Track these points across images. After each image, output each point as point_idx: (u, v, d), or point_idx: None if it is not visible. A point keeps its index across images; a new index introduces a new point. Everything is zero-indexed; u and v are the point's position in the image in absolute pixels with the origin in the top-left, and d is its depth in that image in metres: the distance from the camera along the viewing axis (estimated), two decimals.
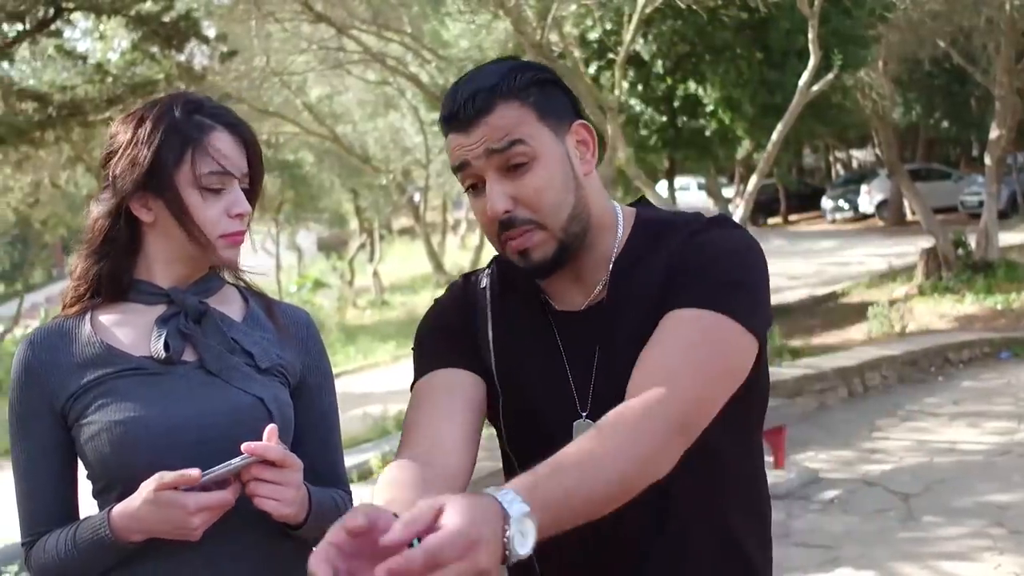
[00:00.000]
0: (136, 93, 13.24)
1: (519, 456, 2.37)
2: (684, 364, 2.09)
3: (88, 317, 2.45)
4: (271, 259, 40.76)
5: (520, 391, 2.36)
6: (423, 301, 34.24)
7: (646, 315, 2.20)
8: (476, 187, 2.26)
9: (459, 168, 2.26)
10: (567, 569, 2.32)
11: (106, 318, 2.46)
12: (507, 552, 1.73)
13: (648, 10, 12.80)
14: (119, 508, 2.28)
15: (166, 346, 2.41)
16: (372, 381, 22.66)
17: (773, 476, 7.61)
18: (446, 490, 1.94)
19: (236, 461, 2.19)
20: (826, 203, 42.72)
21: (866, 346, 15.50)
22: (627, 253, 2.32)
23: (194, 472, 2.20)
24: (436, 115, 16.75)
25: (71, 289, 2.51)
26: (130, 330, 2.45)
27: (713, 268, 2.19)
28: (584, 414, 2.27)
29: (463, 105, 2.23)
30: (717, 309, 2.13)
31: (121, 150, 2.41)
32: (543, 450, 2.07)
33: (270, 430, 2.26)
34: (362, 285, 41.68)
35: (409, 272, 43.78)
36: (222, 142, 2.42)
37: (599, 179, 2.35)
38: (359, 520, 1.67)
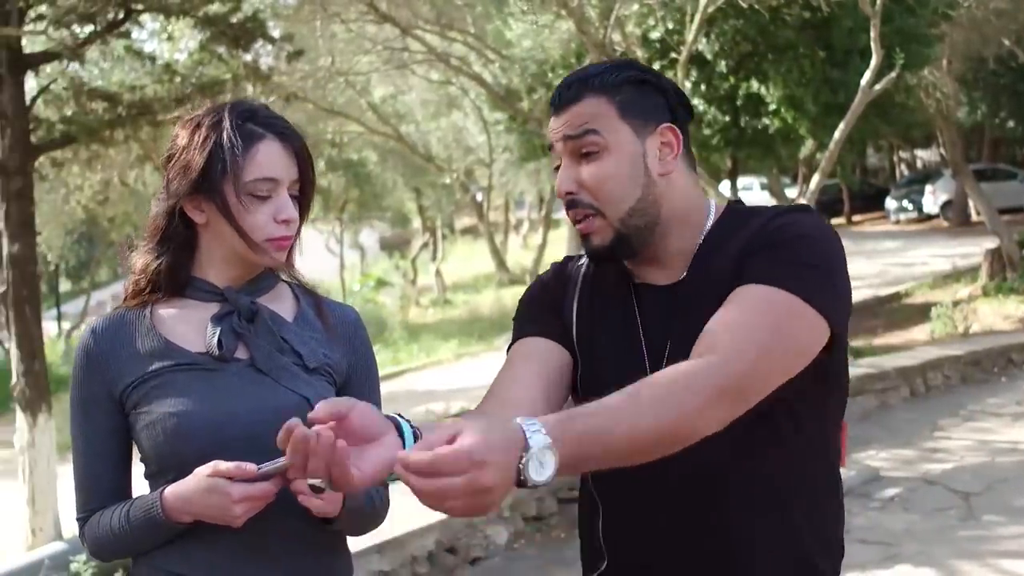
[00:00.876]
0: (204, 93, 13.38)
1: None
2: (745, 331, 2.15)
3: (148, 311, 2.59)
4: (335, 258, 40.93)
5: (596, 359, 2.47)
6: (485, 300, 34.29)
7: (722, 290, 2.27)
8: (559, 168, 2.43)
9: (549, 148, 2.45)
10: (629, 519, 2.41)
11: (165, 312, 2.59)
12: (522, 478, 1.82)
13: (710, 9, 12.79)
14: (171, 489, 2.43)
15: (219, 344, 2.53)
16: (435, 379, 22.77)
17: None
18: None
19: (284, 460, 2.19)
20: (890, 203, 42.31)
21: (929, 346, 15.42)
22: (710, 239, 2.41)
23: (250, 467, 2.33)
24: (499, 115, 16.81)
25: (131, 283, 2.64)
26: (187, 326, 2.57)
27: (789, 248, 2.25)
28: None
29: (559, 93, 2.43)
30: (789, 288, 2.19)
31: (178, 154, 2.54)
32: None
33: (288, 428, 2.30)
34: (424, 284, 41.79)
35: (471, 271, 43.81)
36: (271, 150, 2.53)
37: (687, 179, 2.45)
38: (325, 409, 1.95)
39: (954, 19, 16.56)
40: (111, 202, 24.37)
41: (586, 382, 2.48)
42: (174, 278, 2.59)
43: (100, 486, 2.58)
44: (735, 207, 2.50)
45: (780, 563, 2.34)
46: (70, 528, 11.97)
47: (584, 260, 2.61)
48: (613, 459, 2.01)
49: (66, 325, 37.28)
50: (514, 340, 2.57)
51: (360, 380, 2.73)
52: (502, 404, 2.32)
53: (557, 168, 2.44)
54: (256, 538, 2.47)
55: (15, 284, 11.92)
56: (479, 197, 22.26)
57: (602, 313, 2.51)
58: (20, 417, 12.01)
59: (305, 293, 2.75)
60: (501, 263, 16.29)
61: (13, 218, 11.90)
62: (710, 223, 2.44)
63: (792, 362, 2.20)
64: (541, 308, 2.59)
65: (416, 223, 46.26)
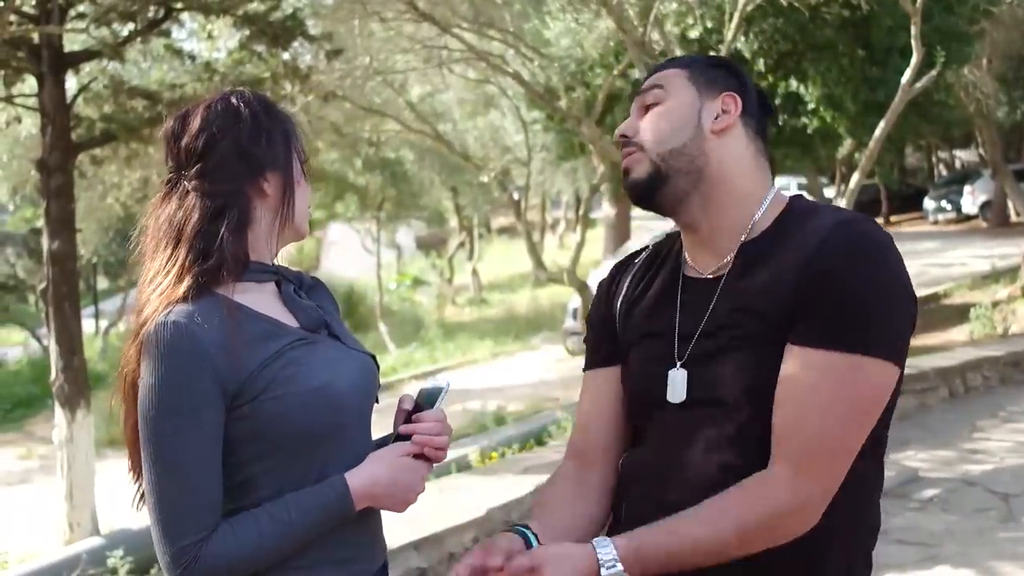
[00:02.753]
0: None
1: (639, 424, 2.57)
2: (820, 423, 2.22)
3: (223, 297, 2.42)
4: (371, 257, 41.01)
5: (634, 353, 2.57)
6: (521, 300, 34.35)
7: (763, 295, 2.32)
8: None
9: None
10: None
11: (241, 297, 2.47)
12: None
13: (749, 8, 12.76)
14: (358, 476, 2.46)
15: (318, 317, 2.60)
16: (471, 377, 22.78)
17: None
18: (593, 495, 2.57)
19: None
20: (928, 204, 42.06)
21: (968, 347, 15.29)
22: (767, 234, 2.43)
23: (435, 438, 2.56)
24: (537, 113, 16.81)
25: (180, 273, 2.43)
26: (267, 305, 2.53)
27: (855, 294, 2.21)
28: (679, 363, 2.43)
29: (651, 68, 2.64)
30: (860, 350, 2.20)
31: (247, 130, 2.51)
32: (644, 400, 2.52)
33: (405, 399, 2.66)
34: (461, 283, 41.86)
35: (507, 271, 43.83)
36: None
37: (746, 149, 2.51)
38: (497, 560, 2.18)
39: (995, 16, 16.44)
40: (149, 200, 24.44)
41: (625, 380, 2.60)
42: (241, 261, 2.48)
43: (214, 502, 2.35)
44: (795, 204, 2.48)
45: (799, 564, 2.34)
46: (108, 523, 12.03)
47: (641, 256, 2.72)
48: (686, 564, 2.25)
49: (103, 323, 37.43)
50: (586, 364, 2.73)
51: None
52: (579, 440, 2.68)
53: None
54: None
55: (55, 280, 12.03)
56: (516, 196, 22.25)
57: (647, 304, 2.59)
58: (59, 413, 12.11)
59: (287, 268, 2.76)
60: (538, 262, 16.32)
61: (53, 215, 12.02)
62: (764, 208, 2.46)
63: (871, 423, 2.28)
64: (599, 333, 2.71)
65: (453, 222, 46.27)
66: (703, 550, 2.22)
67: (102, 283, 47.26)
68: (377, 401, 2.65)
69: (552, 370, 21.51)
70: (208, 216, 2.47)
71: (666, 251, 2.67)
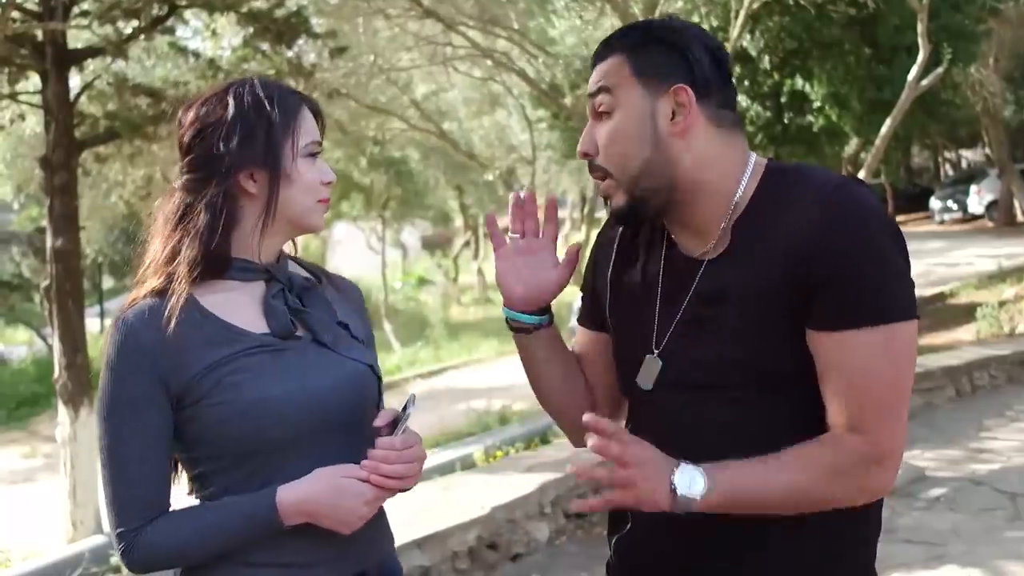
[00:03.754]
0: None
1: (621, 388, 2.59)
2: (882, 394, 2.23)
3: (191, 297, 2.43)
4: (376, 256, 41.04)
5: (618, 331, 2.57)
6: None
7: (749, 269, 2.28)
8: None
9: None
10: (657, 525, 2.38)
11: (211, 297, 2.46)
12: (672, 487, 2.17)
13: (755, 6, 12.75)
14: (288, 491, 2.37)
15: (290, 322, 2.49)
16: (475, 377, 22.79)
17: None
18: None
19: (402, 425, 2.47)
20: (934, 203, 42.04)
21: (974, 346, 15.24)
22: (750, 210, 2.35)
23: (385, 468, 2.43)
24: (542, 112, 16.81)
25: (156, 269, 2.48)
26: (240, 307, 2.48)
27: (862, 269, 2.19)
28: (656, 351, 2.41)
29: (594, 53, 2.44)
30: (887, 320, 2.20)
31: (226, 127, 2.46)
32: (626, 383, 2.51)
33: (383, 415, 2.50)
34: (466, 282, 41.89)
35: None
36: (309, 116, 2.56)
37: (712, 140, 2.36)
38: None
39: (1001, 14, 16.43)
40: (153, 198, 24.45)
41: (613, 353, 2.60)
42: (220, 259, 2.46)
43: (150, 494, 2.41)
44: (773, 167, 2.40)
45: (798, 539, 2.35)
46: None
47: (620, 228, 2.63)
48: (757, 508, 2.25)
49: (108, 321, 37.50)
50: (580, 318, 2.76)
51: (373, 347, 2.73)
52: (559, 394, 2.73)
53: None
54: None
55: (58, 278, 12.04)
56: (522, 195, 22.23)
57: (631, 284, 2.54)
58: (62, 411, 12.12)
59: (313, 266, 2.75)
60: None
61: (57, 212, 12.03)
62: (744, 185, 2.37)
63: (912, 374, 2.31)
64: (591, 296, 2.70)
65: (458, 221, 46.34)
66: (789, 495, 2.24)
67: (107, 282, 47.36)
68: (379, 407, 2.58)
69: None
70: (184, 213, 2.48)
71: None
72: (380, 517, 2.60)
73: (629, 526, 2.52)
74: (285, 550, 2.44)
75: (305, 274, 2.67)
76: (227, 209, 2.47)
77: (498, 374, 22.22)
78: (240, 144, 2.46)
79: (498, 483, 8.12)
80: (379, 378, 2.65)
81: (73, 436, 12.01)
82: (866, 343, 2.19)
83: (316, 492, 2.38)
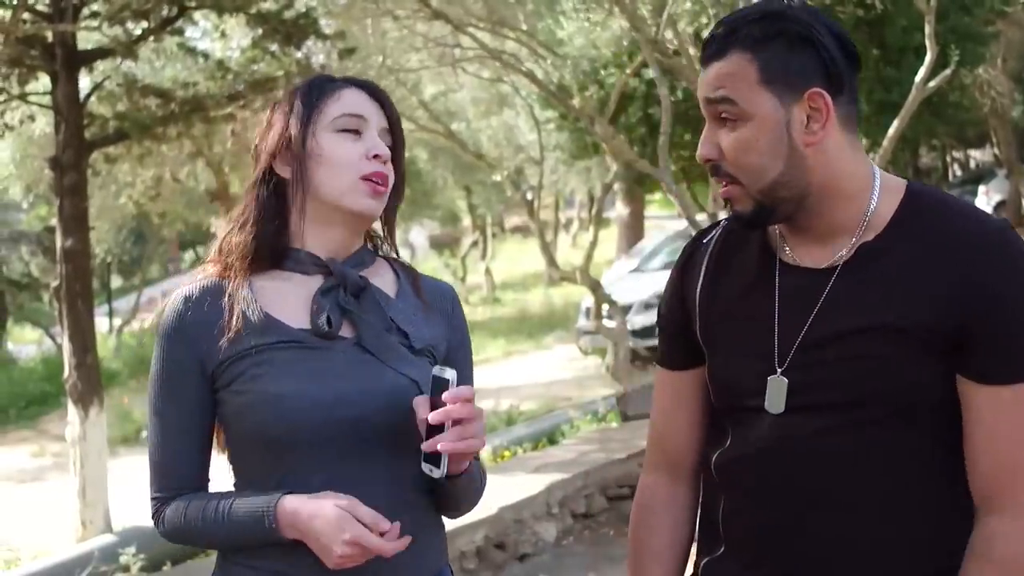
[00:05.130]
0: (256, 90, 13.48)
1: (732, 421, 2.38)
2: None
3: (247, 281, 2.45)
4: None
5: (724, 347, 2.38)
6: (535, 299, 34.34)
7: (893, 292, 2.16)
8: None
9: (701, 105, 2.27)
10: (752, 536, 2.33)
11: (264, 284, 2.46)
12: None
13: None
14: (290, 502, 2.31)
15: (328, 321, 2.42)
16: (484, 376, 22.73)
17: None
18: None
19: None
20: None
21: None
22: (891, 231, 2.22)
23: (385, 525, 2.29)
24: (550, 113, 16.67)
25: (221, 252, 2.51)
26: (288, 299, 2.46)
27: (1019, 323, 2.11)
28: (780, 371, 2.25)
29: (707, 43, 2.23)
30: None
31: (265, 124, 2.51)
32: (737, 404, 2.34)
33: (418, 402, 2.33)
34: (474, 282, 41.84)
35: (521, 270, 43.82)
36: (354, 94, 2.50)
37: (843, 145, 2.21)
38: None
39: (1009, 16, 16.43)
40: (162, 198, 24.56)
41: (714, 376, 2.41)
42: (268, 247, 2.46)
43: (182, 466, 2.45)
44: (916, 189, 2.27)
45: (907, 568, 2.24)
46: (120, 520, 12.07)
47: (712, 237, 2.48)
48: None
49: (117, 321, 37.53)
50: (660, 360, 2.58)
51: (459, 357, 2.64)
52: (665, 450, 2.57)
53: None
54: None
55: (68, 278, 12.07)
56: (529, 195, 22.20)
57: (734, 296, 2.38)
58: (72, 410, 12.16)
59: (403, 268, 2.67)
60: (551, 261, 16.28)
61: (67, 213, 12.07)
62: (875, 198, 2.23)
63: None
64: (673, 328, 2.53)
65: (466, 221, 46.31)
66: None
67: (116, 282, 47.42)
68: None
69: (565, 369, 21.51)
70: (249, 200, 2.52)
71: (745, 231, 2.41)
72: (422, 548, 2.47)
73: (722, 549, 2.40)
74: (293, 559, 2.37)
75: (365, 272, 2.56)
76: (269, 198, 2.48)
77: (506, 374, 22.24)
78: (266, 130, 2.50)
79: (506, 483, 8.15)
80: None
81: (83, 435, 12.04)
82: (1018, 399, 2.12)
83: (306, 512, 2.29)
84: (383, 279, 2.59)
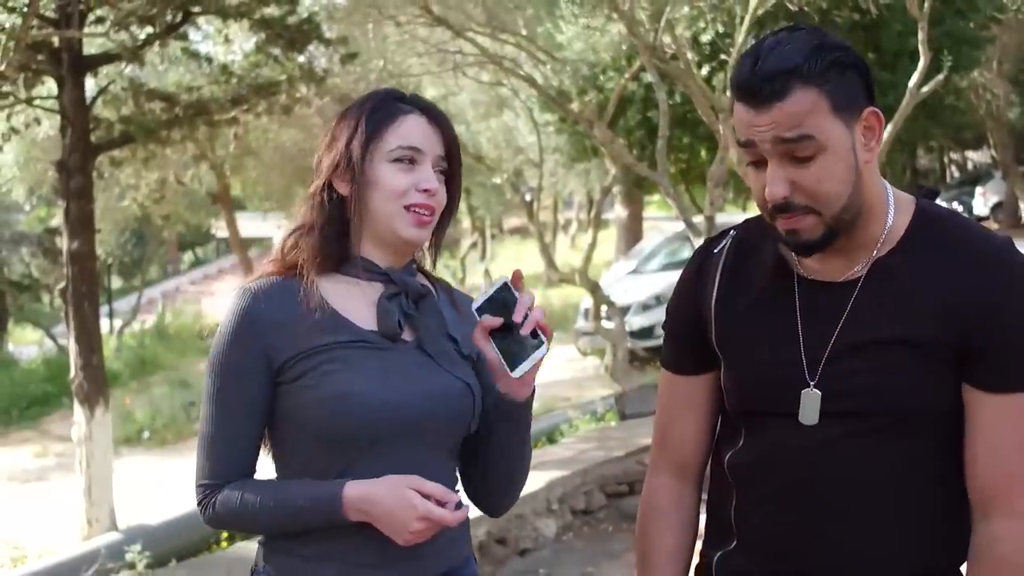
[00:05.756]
0: (259, 94, 13.61)
1: (747, 424, 2.45)
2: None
3: (314, 282, 2.56)
4: None
5: (745, 356, 2.44)
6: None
7: (907, 306, 2.26)
8: (757, 164, 2.26)
9: (745, 144, 2.25)
10: (766, 535, 2.41)
11: (330, 286, 2.58)
12: None
13: (760, 12, 12.83)
14: (356, 487, 2.43)
15: (399, 323, 2.56)
16: None
17: None
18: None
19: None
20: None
21: None
22: (905, 246, 2.31)
23: (453, 497, 2.44)
24: (549, 116, 16.72)
25: (283, 253, 2.62)
26: (354, 302, 2.58)
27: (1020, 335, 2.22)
28: (812, 383, 2.32)
29: (762, 83, 2.17)
30: None
31: (330, 137, 2.63)
32: (770, 419, 2.38)
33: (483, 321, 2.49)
34: (473, 283, 41.90)
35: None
36: (416, 123, 2.60)
37: (876, 162, 2.30)
38: None
39: (1003, 22, 16.52)
40: (166, 200, 24.65)
41: (734, 379, 2.47)
42: (335, 252, 2.59)
43: (234, 456, 2.54)
44: (926, 208, 2.37)
45: (917, 560, 2.35)
46: (125, 519, 12.18)
47: (722, 246, 2.54)
48: None
49: (117, 322, 37.51)
50: (667, 364, 2.63)
51: (483, 368, 2.68)
52: (673, 452, 2.61)
53: (752, 164, 2.28)
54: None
55: (75, 280, 12.16)
56: (528, 197, 22.27)
57: (752, 308, 2.44)
58: (78, 410, 12.23)
59: (439, 282, 2.80)
60: (550, 263, 16.36)
61: (73, 215, 12.15)
62: (891, 214, 2.32)
63: None
64: (684, 332, 2.58)
65: (465, 223, 46.30)
66: None
67: (116, 283, 47.38)
68: (470, 430, 2.62)
69: (564, 370, 21.57)
70: (311, 206, 2.64)
71: (756, 238, 2.49)
72: (449, 534, 2.58)
73: (735, 543, 2.47)
74: (338, 545, 2.51)
75: (425, 283, 2.72)
76: (328, 208, 2.61)
77: None
78: (327, 148, 2.63)
79: None
80: (475, 398, 2.62)
81: (89, 435, 12.12)
82: (1018, 408, 2.23)
83: (377, 495, 2.41)
84: (422, 285, 2.71)
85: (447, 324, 2.66)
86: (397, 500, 2.40)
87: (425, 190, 2.56)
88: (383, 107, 2.61)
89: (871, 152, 2.25)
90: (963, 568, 2.38)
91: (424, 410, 2.49)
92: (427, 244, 2.73)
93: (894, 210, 2.33)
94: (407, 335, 2.59)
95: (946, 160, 52.96)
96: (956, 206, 40.46)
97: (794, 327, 2.35)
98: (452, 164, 2.66)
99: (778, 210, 2.24)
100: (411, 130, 2.59)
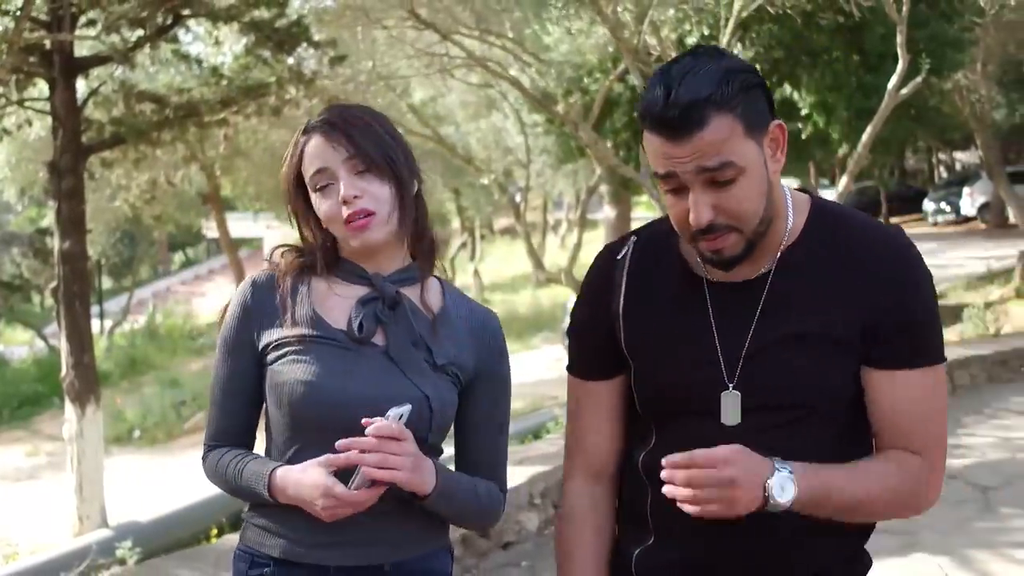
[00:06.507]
0: (249, 95, 13.72)
1: (658, 424, 2.52)
2: (934, 434, 2.42)
3: (305, 279, 2.76)
4: None
5: (659, 360, 2.49)
6: (523, 300, 34.46)
7: (813, 298, 2.37)
8: (677, 191, 2.29)
9: (665, 176, 2.28)
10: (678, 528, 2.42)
11: (318, 285, 2.76)
12: (766, 494, 2.21)
13: (744, 14, 12.93)
14: (282, 472, 2.61)
15: (359, 327, 2.68)
16: None
17: None
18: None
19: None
20: (928, 205, 42.20)
21: (957, 347, 15.48)
22: (804, 238, 2.42)
23: (370, 426, 2.49)
24: (537, 117, 16.79)
25: (290, 251, 2.83)
26: (335, 302, 2.74)
27: (925, 316, 2.39)
28: (731, 385, 2.40)
29: (679, 115, 2.20)
30: (936, 361, 2.40)
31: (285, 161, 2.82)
32: (686, 418, 2.46)
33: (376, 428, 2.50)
34: (463, 283, 41.98)
35: (509, 271, 43.89)
36: (314, 145, 2.71)
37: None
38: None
39: (984, 25, 16.64)
40: (157, 201, 24.75)
41: (646, 384, 2.53)
42: (324, 256, 2.76)
43: (228, 423, 2.79)
44: (817, 202, 2.49)
45: (824, 547, 2.45)
46: (116, 516, 12.31)
47: (625, 253, 2.57)
48: (838, 513, 2.35)
49: (108, 323, 37.57)
50: (573, 371, 2.67)
51: (488, 385, 2.83)
52: (587, 457, 2.66)
53: (671, 191, 2.31)
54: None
55: (66, 280, 12.27)
56: (517, 198, 22.41)
57: (662, 314, 2.50)
58: (69, 408, 12.32)
59: (451, 290, 2.88)
60: (537, 263, 16.48)
61: (65, 216, 12.25)
62: (791, 214, 2.42)
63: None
64: (590, 339, 2.62)
65: (455, 223, 46.35)
66: (865, 503, 2.35)
67: (106, 283, 47.38)
68: (426, 441, 2.65)
69: (552, 369, 21.69)
70: (309, 216, 2.82)
71: (658, 244, 2.54)
72: (424, 524, 2.74)
73: (652, 539, 2.53)
74: (293, 523, 2.67)
75: (412, 293, 2.79)
76: (307, 217, 2.81)
77: None
78: (284, 183, 2.85)
79: None
80: (432, 411, 2.67)
81: (80, 433, 12.21)
82: (924, 381, 2.38)
83: (293, 476, 2.58)
84: (430, 296, 2.81)
85: (423, 332, 2.73)
86: (306, 479, 2.54)
87: (344, 201, 2.65)
88: (297, 143, 2.77)
89: (778, 163, 2.33)
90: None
91: (375, 411, 2.52)
92: (410, 234, 2.81)
93: (792, 211, 2.42)
94: (379, 339, 2.71)
95: (934, 161, 53.15)
96: (944, 206, 40.74)
97: (709, 329, 2.42)
98: (372, 153, 2.69)
99: (702, 233, 2.29)
100: (314, 154, 2.71)
